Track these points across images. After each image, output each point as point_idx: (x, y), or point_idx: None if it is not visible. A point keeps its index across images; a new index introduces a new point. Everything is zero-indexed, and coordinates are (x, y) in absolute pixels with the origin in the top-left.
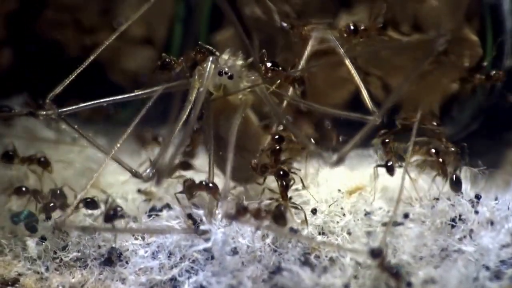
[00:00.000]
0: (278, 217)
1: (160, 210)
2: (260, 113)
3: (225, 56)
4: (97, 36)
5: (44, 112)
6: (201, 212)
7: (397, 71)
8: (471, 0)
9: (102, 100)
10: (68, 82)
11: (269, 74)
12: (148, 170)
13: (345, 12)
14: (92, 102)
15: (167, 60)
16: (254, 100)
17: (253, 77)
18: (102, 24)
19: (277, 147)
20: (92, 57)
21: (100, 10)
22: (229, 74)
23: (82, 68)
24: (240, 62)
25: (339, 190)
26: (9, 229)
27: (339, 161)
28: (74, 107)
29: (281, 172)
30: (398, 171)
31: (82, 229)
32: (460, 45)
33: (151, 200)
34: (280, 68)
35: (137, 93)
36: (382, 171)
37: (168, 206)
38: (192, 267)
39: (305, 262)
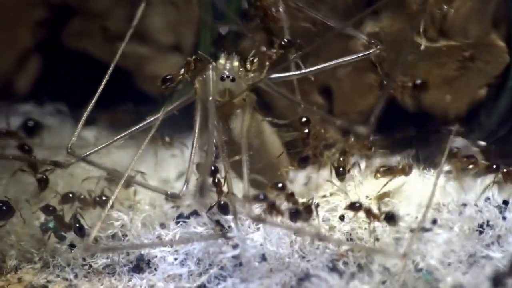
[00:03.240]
0: (295, 215)
1: (188, 217)
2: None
3: (221, 61)
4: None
5: (68, 162)
6: (229, 218)
7: (424, 76)
8: (498, 6)
9: (117, 138)
10: (79, 128)
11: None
12: (184, 190)
13: (370, 19)
14: (109, 142)
15: (167, 76)
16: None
17: (253, 75)
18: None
19: (306, 131)
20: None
21: (127, 18)
22: (231, 77)
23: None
24: (237, 63)
25: (367, 197)
26: (39, 237)
27: (371, 126)
28: (94, 150)
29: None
30: (428, 177)
31: (108, 250)
32: (487, 51)
33: (178, 207)
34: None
35: (148, 121)
36: (409, 177)
37: (196, 213)
38: (221, 274)
39: (333, 269)
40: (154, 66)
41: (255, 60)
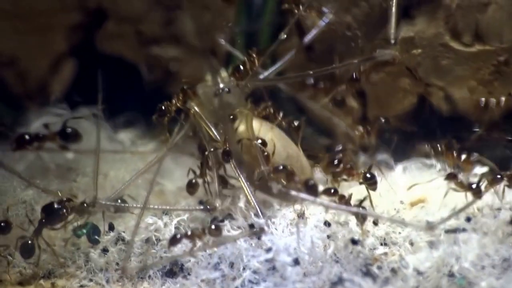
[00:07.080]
0: (309, 187)
1: (222, 221)
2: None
3: (208, 78)
4: (160, 47)
5: (96, 208)
6: (262, 221)
7: (459, 81)
8: None
9: (134, 176)
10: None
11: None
12: (217, 202)
13: (405, 23)
14: (127, 182)
15: (162, 108)
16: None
17: (245, 80)
18: (165, 35)
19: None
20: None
21: (162, 21)
22: (226, 88)
23: None
24: (225, 74)
25: (401, 202)
26: (72, 242)
27: (394, 48)
28: (112, 196)
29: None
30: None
31: (147, 267)
32: None
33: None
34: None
35: (158, 158)
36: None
37: (230, 217)
38: (254, 277)
39: (367, 273)
40: (188, 69)
41: (245, 65)
